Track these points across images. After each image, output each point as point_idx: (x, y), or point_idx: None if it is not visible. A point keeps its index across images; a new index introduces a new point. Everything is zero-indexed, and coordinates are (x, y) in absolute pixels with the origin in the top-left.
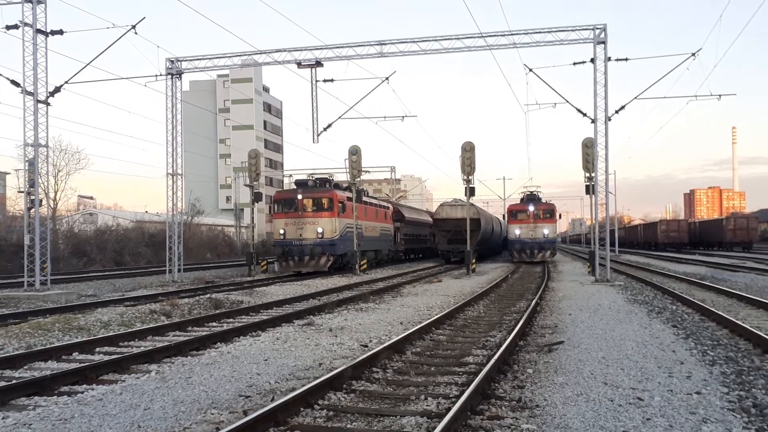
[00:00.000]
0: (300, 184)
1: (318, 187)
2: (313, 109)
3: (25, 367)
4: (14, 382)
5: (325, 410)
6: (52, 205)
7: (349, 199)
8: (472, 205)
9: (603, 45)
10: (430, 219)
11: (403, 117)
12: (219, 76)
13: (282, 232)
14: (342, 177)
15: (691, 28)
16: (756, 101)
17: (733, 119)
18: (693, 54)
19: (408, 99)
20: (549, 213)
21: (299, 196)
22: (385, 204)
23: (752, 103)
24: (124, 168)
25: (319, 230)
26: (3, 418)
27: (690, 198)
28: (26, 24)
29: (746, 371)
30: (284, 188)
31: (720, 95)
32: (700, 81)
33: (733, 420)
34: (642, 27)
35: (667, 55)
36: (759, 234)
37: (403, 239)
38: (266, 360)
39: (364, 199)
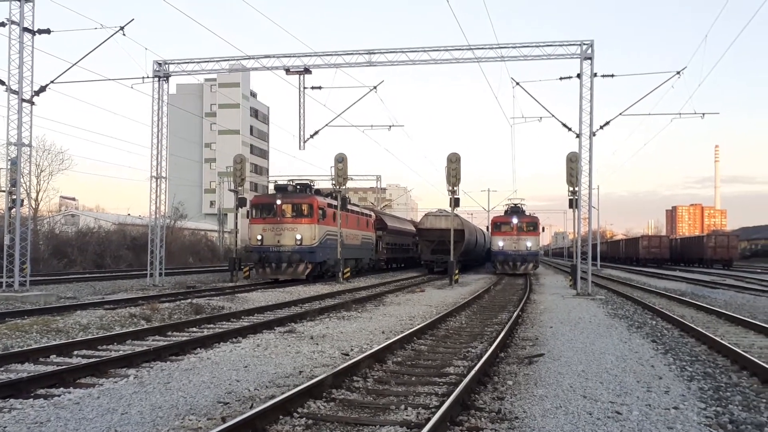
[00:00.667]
0: (279, 188)
1: (298, 193)
2: (300, 116)
3: (2, 369)
4: None
5: (304, 418)
6: (34, 206)
7: (330, 205)
8: (457, 216)
9: (590, 61)
10: (414, 228)
11: (390, 126)
12: (206, 80)
13: (259, 237)
14: (328, 184)
15: (676, 46)
16: (739, 120)
17: (716, 137)
18: (678, 72)
19: (395, 108)
20: (532, 226)
21: (278, 201)
22: (367, 212)
23: (735, 122)
24: (107, 170)
25: (298, 237)
26: None
27: (672, 214)
28: (13, 22)
29: (724, 387)
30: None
31: (704, 114)
32: (684, 99)
33: None
34: (629, 44)
35: (653, 73)
36: (739, 252)
37: (386, 248)
38: (246, 367)
39: (348, 206)
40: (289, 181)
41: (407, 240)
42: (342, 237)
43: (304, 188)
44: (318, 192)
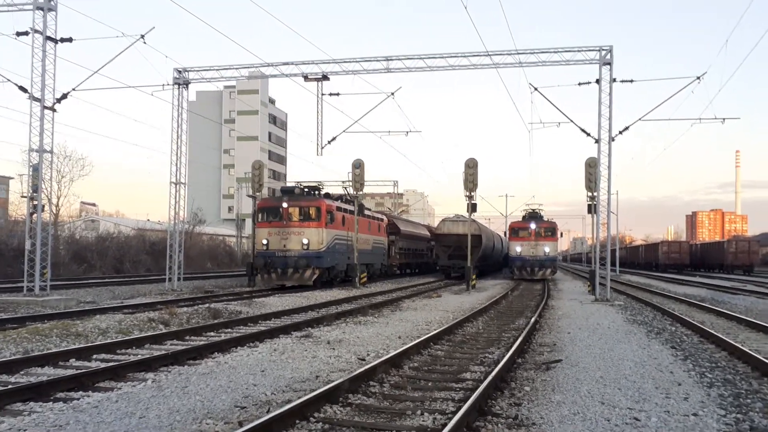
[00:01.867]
0: (286, 191)
1: (305, 196)
2: (318, 122)
3: (22, 373)
4: (10, 387)
5: (320, 423)
6: (55, 211)
7: (339, 209)
8: (474, 221)
9: (608, 66)
10: (428, 233)
11: (407, 132)
12: (225, 87)
13: (265, 242)
14: (346, 190)
15: (696, 51)
16: (760, 125)
17: (737, 143)
18: (698, 77)
19: (413, 114)
20: (550, 231)
21: (284, 204)
22: (378, 216)
23: (757, 127)
24: (127, 176)
25: (305, 241)
26: None
27: (692, 220)
28: (36, 31)
29: (744, 394)
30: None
31: (724, 119)
32: (704, 104)
33: None
34: (648, 49)
35: (672, 78)
36: (760, 258)
37: (398, 253)
38: (263, 371)
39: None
40: (297, 183)
41: (422, 245)
42: (352, 241)
43: (312, 191)
44: (328, 195)
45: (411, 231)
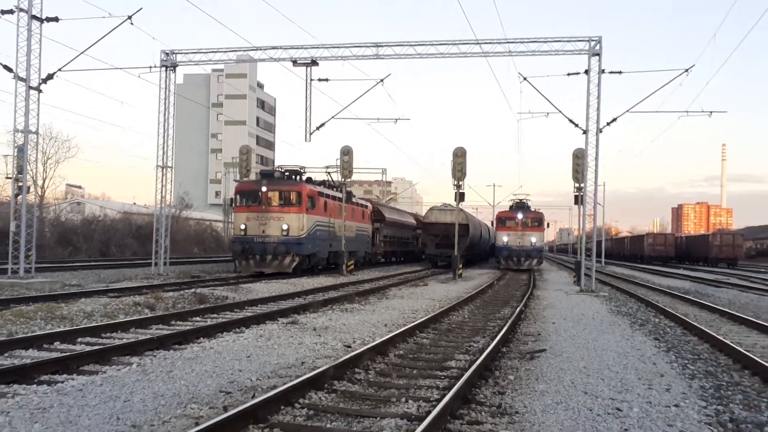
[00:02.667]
0: (265, 174)
1: (285, 180)
2: (306, 108)
3: (6, 355)
4: None
5: (305, 409)
6: (40, 193)
7: (321, 194)
8: (462, 210)
9: (597, 57)
10: (414, 221)
11: (396, 119)
12: (213, 70)
13: (243, 227)
14: (334, 176)
15: (685, 44)
16: (747, 119)
17: (724, 136)
18: (686, 70)
19: (402, 102)
20: (537, 221)
21: (263, 189)
22: (363, 202)
23: (743, 121)
24: (113, 158)
25: (284, 227)
26: None
27: (678, 212)
28: (21, 9)
29: (725, 386)
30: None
31: (711, 112)
32: (692, 97)
33: None
34: (637, 41)
35: (661, 70)
36: (744, 251)
37: (383, 241)
38: (249, 357)
39: (338, 195)
40: (277, 167)
41: (407, 233)
42: (333, 228)
43: (293, 175)
44: (310, 180)
45: (396, 219)
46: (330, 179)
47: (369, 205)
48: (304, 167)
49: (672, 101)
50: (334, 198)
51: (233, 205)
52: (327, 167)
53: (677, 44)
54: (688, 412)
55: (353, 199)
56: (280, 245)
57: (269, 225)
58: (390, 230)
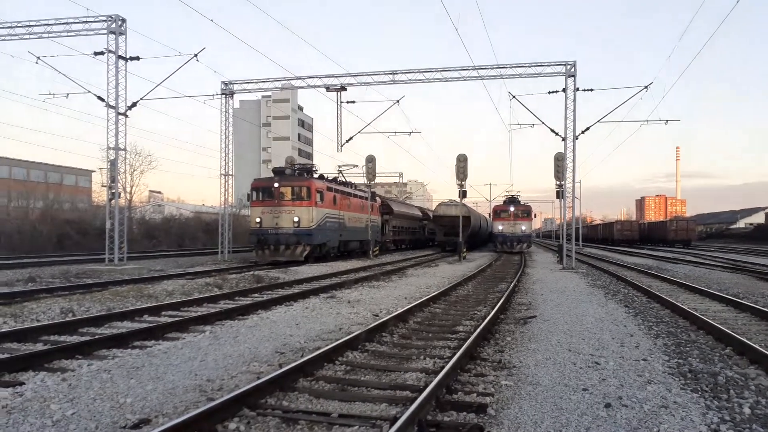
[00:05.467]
0: (277, 172)
1: (296, 176)
2: (337, 125)
3: (106, 326)
4: (97, 336)
5: (344, 365)
6: (128, 198)
7: (330, 189)
8: (464, 205)
9: (573, 78)
10: (421, 213)
11: (410, 132)
12: (263, 96)
13: (258, 220)
14: (361, 180)
15: (645, 64)
16: (698, 125)
17: (678, 140)
18: (646, 87)
19: (414, 118)
20: (526, 213)
21: (276, 185)
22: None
23: (695, 126)
24: (186, 169)
25: (296, 219)
26: (88, 365)
27: (641, 203)
28: (110, 51)
29: (684, 343)
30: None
31: (667, 120)
32: (651, 108)
33: (672, 382)
34: (607, 61)
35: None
36: (696, 234)
37: (392, 231)
38: (297, 324)
39: (347, 190)
40: (288, 163)
41: (414, 224)
42: (343, 220)
43: (303, 172)
44: (322, 177)
45: (404, 211)
46: (342, 176)
47: (378, 199)
48: (315, 165)
49: (635, 112)
50: (342, 193)
51: (249, 200)
52: (339, 167)
53: (638, 65)
54: (654, 365)
55: (362, 193)
56: (292, 236)
57: (282, 218)
58: (398, 221)
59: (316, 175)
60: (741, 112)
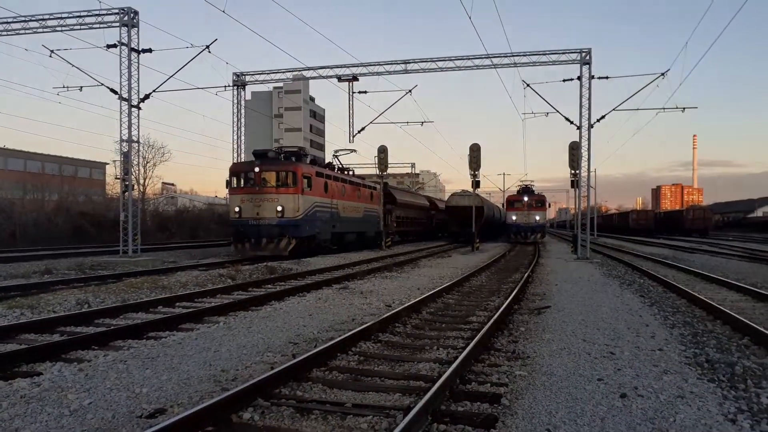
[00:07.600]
0: (259, 155)
1: (280, 160)
2: (349, 116)
3: (121, 317)
4: (113, 327)
5: (357, 355)
6: (142, 190)
7: (320, 174)
8: (477, 195)
9: (588, 65)
10: (428, 203)
11: (422, 122)
12: (275, 87)
13: (237, 209)
14: (373, 171)
15: (662, 50)
16: (715, 113)
17: (696, 128)
18: (662, 74)
19: (427, 107)
20: (540, 203)
21: (257, 169)
22: (371, 184)
23: (712, 114)
24: (199, 160)
25: (279, 208)
26: (105, 355)
27: (657, 192)
28: (123, 44)
29: (700, 333)
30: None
31: (684, 108)
32: (667, 96)
33: (689, 372)
34: (622, 49)
35: (641, 75)
36: (713, 223)
37: (395, 221)
38: (311, 315)
39: (341, 176)
40: (276, 147)
41: (420, 214)
42: (337, 209)
43: (290, 155)
44: (314, 162)
45: (408, 200)
46: (339, 162)
47: (377, 186)
48: (304, 148)
49: (651, 99)
50: (336, 179)
51: (228, 186)
52: (335, 151)
53: (656, 51)
54: (670, 355)
55: (359, 180)
56: (275, 227)
57: (264, 207)
58: (402, 211)
59: (307, 160)
60: (763, 99)
